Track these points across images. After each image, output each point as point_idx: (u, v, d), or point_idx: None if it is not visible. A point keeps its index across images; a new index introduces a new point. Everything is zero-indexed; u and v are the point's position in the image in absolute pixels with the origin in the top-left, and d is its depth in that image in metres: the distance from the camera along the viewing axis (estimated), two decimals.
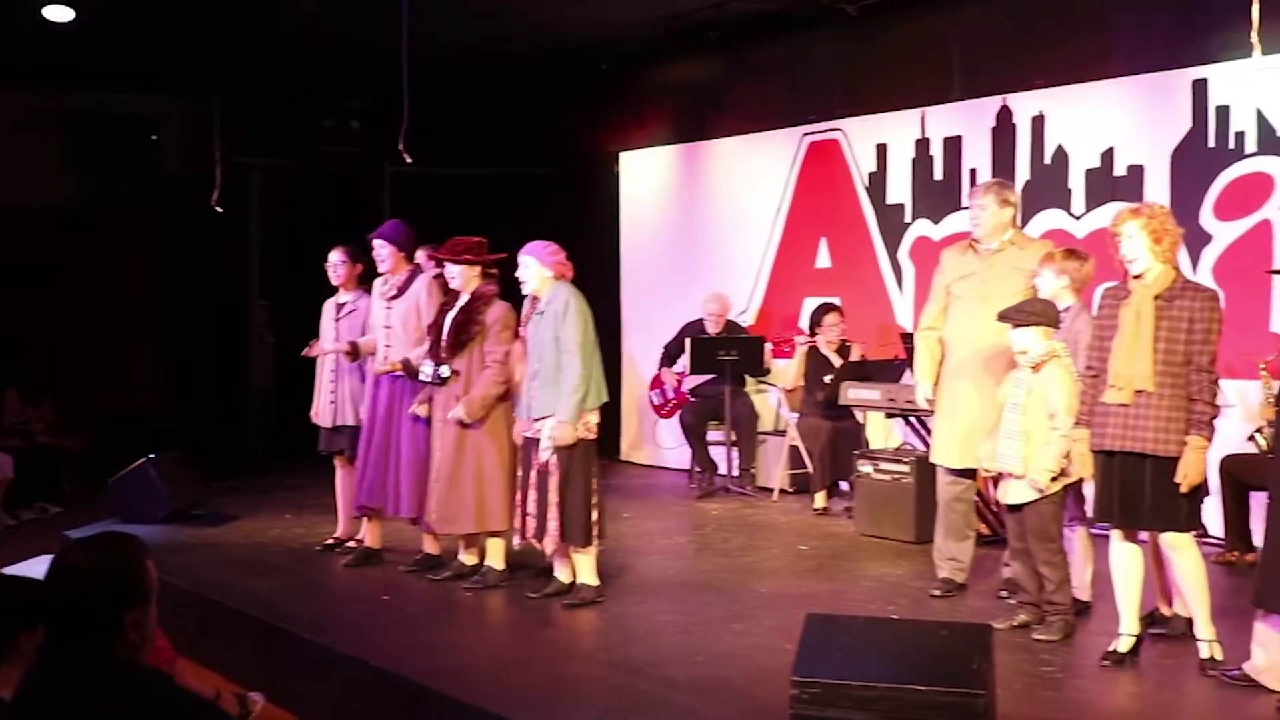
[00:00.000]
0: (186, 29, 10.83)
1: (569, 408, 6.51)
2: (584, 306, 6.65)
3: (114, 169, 13.24)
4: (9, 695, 3.22)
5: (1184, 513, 5.42)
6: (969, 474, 6.79)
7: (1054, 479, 5.89)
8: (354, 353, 7.87)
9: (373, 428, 7.61)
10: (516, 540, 6.88)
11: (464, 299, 7.13)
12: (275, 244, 13.09)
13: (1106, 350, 5.52)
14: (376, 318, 7.69)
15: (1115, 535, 5.61)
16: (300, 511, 9.44)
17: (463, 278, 7.11)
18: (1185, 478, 5.31)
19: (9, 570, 5.06)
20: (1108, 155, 8.66)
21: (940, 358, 6.83)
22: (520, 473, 6.84)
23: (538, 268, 6.71)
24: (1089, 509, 6.02)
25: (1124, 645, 5.62)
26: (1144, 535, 5.70)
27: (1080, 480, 6.01)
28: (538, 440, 6.66)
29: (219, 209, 11.36)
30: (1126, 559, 5.61)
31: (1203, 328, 5.34)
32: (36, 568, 3.82)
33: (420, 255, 8.25)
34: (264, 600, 7.03)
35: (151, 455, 9.39)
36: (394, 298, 7.61)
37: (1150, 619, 5.94)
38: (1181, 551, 5.49)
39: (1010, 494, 6.05)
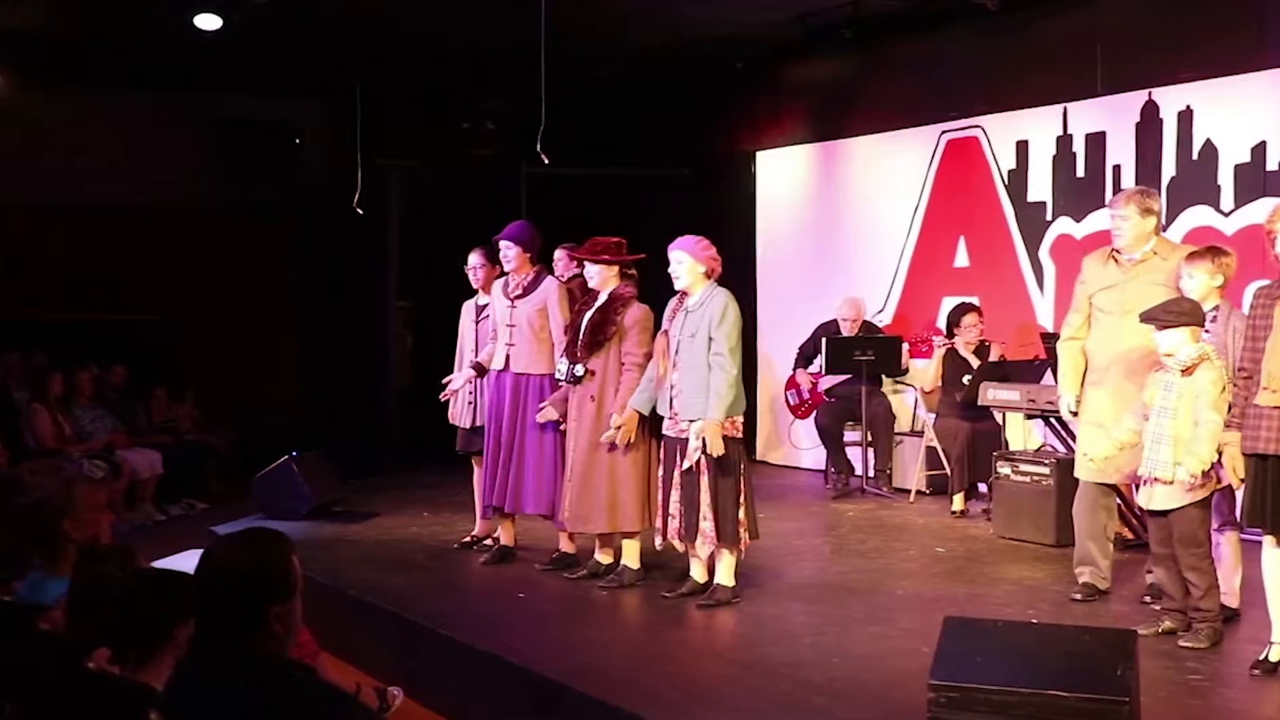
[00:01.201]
0: (327, 35, 11.05)
1: (718, 410, 6.49)
2: (738, 313, 6.65)
3: (258, 172, 13.58)
4: (160, 684, 3.31)
5: None
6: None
7: (1203, 484, 5.72)
8: (481, 371, 7.92)
9: (498, 426, 7.66)
10: (658, 541, 6.88)
11: (602, 299, 7.17)
12: (414, 245, 13.30)
13: (1260, 351, 5.35)
14: (500, 316, 7.72)
15: (1267, 541, 5.45)
16: (438, 510, 9.56)
17: (601, 277, 7.14)
18: None
19: (161, 564, 5.22)
20: (1259, 149, 8.41)
21: (1082, 366, 6.69)
22: (662, 472, 6.84)
23: (691, 263, 6.69)
24: (1238, 513, 5.86)
25: (1275, 654, 5.45)
26: None
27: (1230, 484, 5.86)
28: (682, 440, 6.66)
29: (359, 211, 11.56)
30: (1277, 565, 5.45)
31: None
32: (187, 561, 3.93)
33: (560, 255, 8.31)
34: (402, 596, 7.14)
35: (294, 453, 9.58)
36: (519, 297, 7.66)
37: None
38: None
39: (1156, 499, 5.88)
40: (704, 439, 6.45)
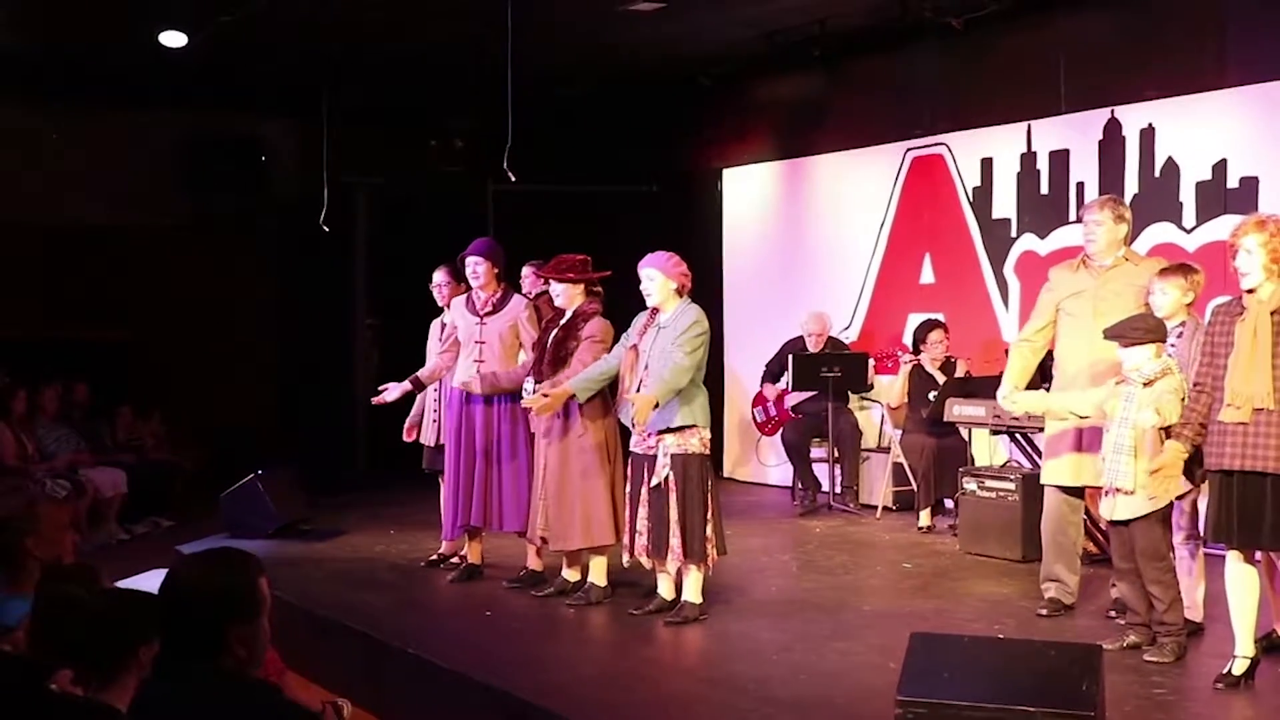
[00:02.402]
0: (293, 51, 11.04)
1: (658, 389, 6.48)
2: (708, 328, 6.69)
3: (225, 189, 13.52)
4: (124, 705, 3.29)
5: None
6: (1079, 493, 6.70)
7: (1160, 494, 5.77)
8: (418, 386, 7.94)
9: (470, 444, 7.63)
10: (625, 558, 6.88)
11: (567, 316, 7.18)
12: (381, 263, 13.27)
13: (1219, 368, 5.39)
14: (468, 333, 7.70)
15: (1231, 556, 5.48)
16: (404, 528, 9.52)
17: (567, 295, 7.15)
18: None
19: (125, 583, 5.18)
20: (1220, 167, 8.49)
21: (1031, 369, 6.79)
22: (630, 488, 6.84)
23: (663, 280, 6.71)
24: (1201, 527, 5.90)
25: (1239, 668, 5.48)
26: (1258, 555, 5.57)
27: (1194, 496, 5.91)
28: (649, 457, 6.67)
29: (326, 228, 11.53)
30: (1242, 580, 5.48)
31: None
32: (152, 581, 3.89)
33: (527, 272, 8.30)
34: (369, 615, 7.11)
35: (260, 471, 9.53)
36: (489, 314, 7.65)
37: (1267, 641, 5.81)
38: None
39: (1118, 510, 5.93)
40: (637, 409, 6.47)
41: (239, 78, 11.98)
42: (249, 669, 2.99)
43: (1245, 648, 5.50)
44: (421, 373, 7.98)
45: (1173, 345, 6.06)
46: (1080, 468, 6.51)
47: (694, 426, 6.61)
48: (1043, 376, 7.25)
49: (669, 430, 6.59)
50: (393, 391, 7.96)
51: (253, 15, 9.21)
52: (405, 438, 8.64)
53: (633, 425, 6.73)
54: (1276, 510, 5.24)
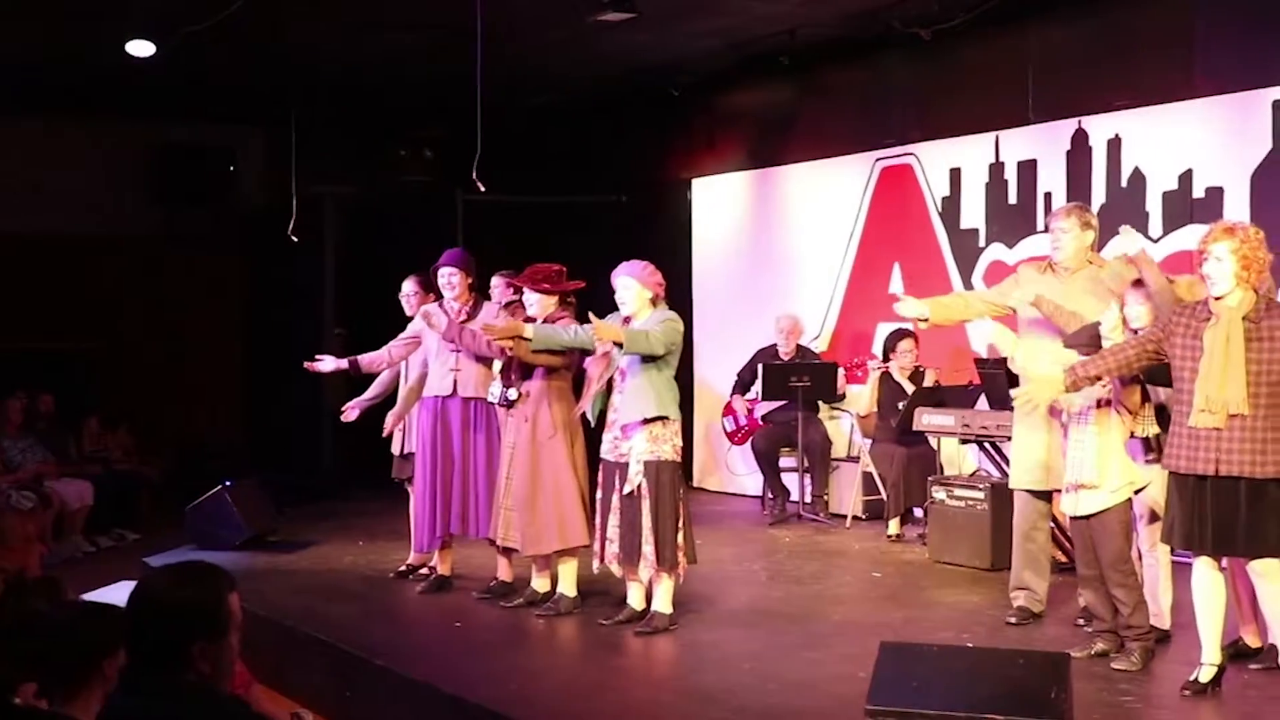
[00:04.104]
0: (263, 61, 11.00)
1: (629, 335, 6.49)
2: (680, 330, 6.69)
3: (193, 199, 13.48)
4: (89, 719, 3.26)
5: (1276, 536, 5.29)
6: (1047, 497, 6.73)
7: (1122, 487, 5.83)
8: (355, 369, 7.97)
9: (446, 452, 7.62)
10: (595, 564, 6.88)
11: None
12: (350, 272, 13.23)
13: (1189, 371, 5.39)
14: (443, 343, 7.65)
15: (1199, 563, 5.50)
16: (373, 538, 9.48)
17: (540, 305, 7.14)
18: None
19: (91, 596, 5.14)
20: (1186, 177, 8.55)
21: (954, 307, 7.11)
22: (601, 495, 6.84)
23: (638, 289, 6.71)
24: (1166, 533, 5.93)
25: (1206, 675, 5.50)
26: (1224, 562, 5.60)
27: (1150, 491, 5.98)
28: (621, 464, 6.67)
29: (294, 238, 11.49)
30: (1210, 587, 5.50)
31: None
32: (118, 593, 3.87)
33: (498, 281, 8.29)
34: (338, 626, 7.07)
35: (228, 482, 9.47)
36: (464, 323, 7.64)
37: (1234, 649, 5.84)
38: (1269, 578, 5.38)
39: (1081, 505, 5.96)
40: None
41: (207, 88, 11.94)
42: (215, 685, 2.97)
43: (1212, 655, 5.52)
44: (363, 357, 7.98)
45: None
46: (1048, 471, 6.54)
47: (665, 419, 6.61)
48: (1010, 383, 7.27)
49: (646, 421, 6.58)
50: (327, 363, 8.02)
51: (221, 25, 9.17)
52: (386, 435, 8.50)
53: (592, 419, 6.80)
54: (1250, 516, 5.27)
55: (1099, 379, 5.69)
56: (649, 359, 6.58)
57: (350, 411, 8.28)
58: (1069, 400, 5.87)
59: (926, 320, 6.94)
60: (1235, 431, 5.26)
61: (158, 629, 2.92)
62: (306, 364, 8.06)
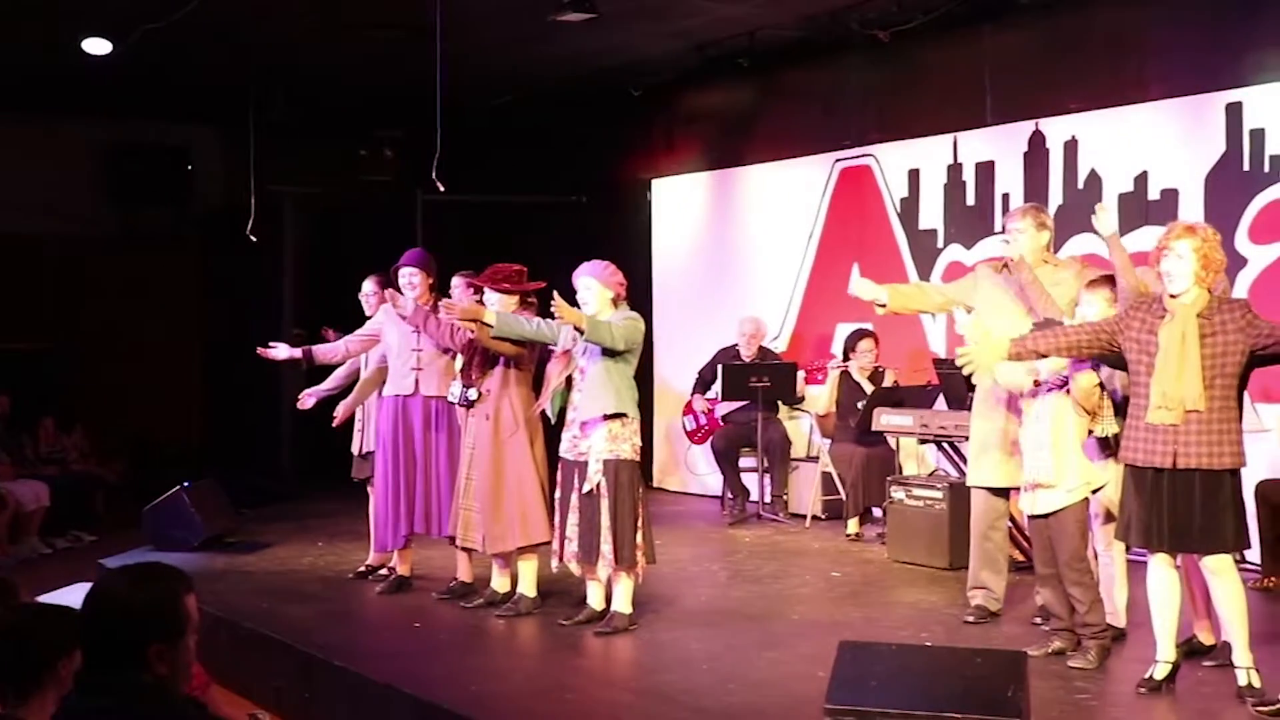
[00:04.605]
0: (221, 59, 10.94)
1: (591, 323, 6.47)
2: (642, 330, 6.70)
3: (150, 198, 13.39)
4: None
5: (1231, 531, 5.34)
6: (1004, 494, 6.77)
7: (1079, 487, 5.88)
8: (308, 358, 7.95)
9: (409, 451, 7.61)
10: (554, 563, 6.88)
11: None
12: (309, 272, 13.17)
13: (1145, 366, 5.41)
14: (404, 341, 7.67)
15: (1154, 560, 5.54)
16: (333, 539, 9.45)
17: (500, 305, 7.12)
18: None
19: (47, 597, 5.10)
20: (1141, 179, 8.62)
21: (910, 297, 7.20)
22: (560, 494, 6.84)
23: (600, 289, 6.71)
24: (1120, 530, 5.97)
25: (1160, 672, 5.55)
26: (1178, 560, 5.65)
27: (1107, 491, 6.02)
28: (580, 463, 6.67)
29: (253, 238, 11.43)
30: (1165, 584, 5.54)
31: (1264, 322, 5.31)
32: (74, 595, 3.84)
33: (458, 282, 8.28)
34: (297, 627, 7.04)
35: (185, 483, 9.42)
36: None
37: (1188, 646, 5.89)
38: (1222, 576, 5.42)
39: (1038, 504, 6.01)
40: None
41: (165, 85, 11.86)
42: (171, 687, 2.95)
43: (1167, 653, 5.57)
44: (317, 348, 7.99)
45: None
46: (1006, 469, 6.57)
47: (624, 416, 6.61)
48: (968, 387, 7.31)
49: (607, 418, 6.58)
50: (281, 350, 8.02)
51: (179, 23, 9.12)
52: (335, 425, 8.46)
53: (552, 416, 6.83)
54: (1206, 512, 5.30)
55: (1045, 356, 5.72)
56: (609, 355, 6.58)
57: (306, 400, 8.27)
58: (1007, 375, 5.93)
59: (884, 306, 6.95)
60: (1193, 426, 5.29)
61: (114, 630, 2.90)
62: (260, 349, 8.05)
